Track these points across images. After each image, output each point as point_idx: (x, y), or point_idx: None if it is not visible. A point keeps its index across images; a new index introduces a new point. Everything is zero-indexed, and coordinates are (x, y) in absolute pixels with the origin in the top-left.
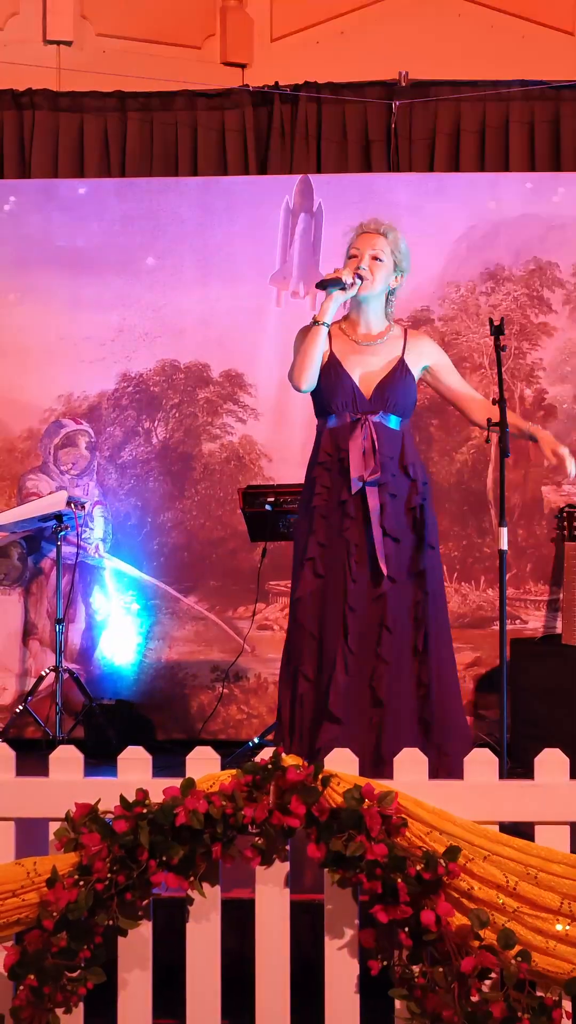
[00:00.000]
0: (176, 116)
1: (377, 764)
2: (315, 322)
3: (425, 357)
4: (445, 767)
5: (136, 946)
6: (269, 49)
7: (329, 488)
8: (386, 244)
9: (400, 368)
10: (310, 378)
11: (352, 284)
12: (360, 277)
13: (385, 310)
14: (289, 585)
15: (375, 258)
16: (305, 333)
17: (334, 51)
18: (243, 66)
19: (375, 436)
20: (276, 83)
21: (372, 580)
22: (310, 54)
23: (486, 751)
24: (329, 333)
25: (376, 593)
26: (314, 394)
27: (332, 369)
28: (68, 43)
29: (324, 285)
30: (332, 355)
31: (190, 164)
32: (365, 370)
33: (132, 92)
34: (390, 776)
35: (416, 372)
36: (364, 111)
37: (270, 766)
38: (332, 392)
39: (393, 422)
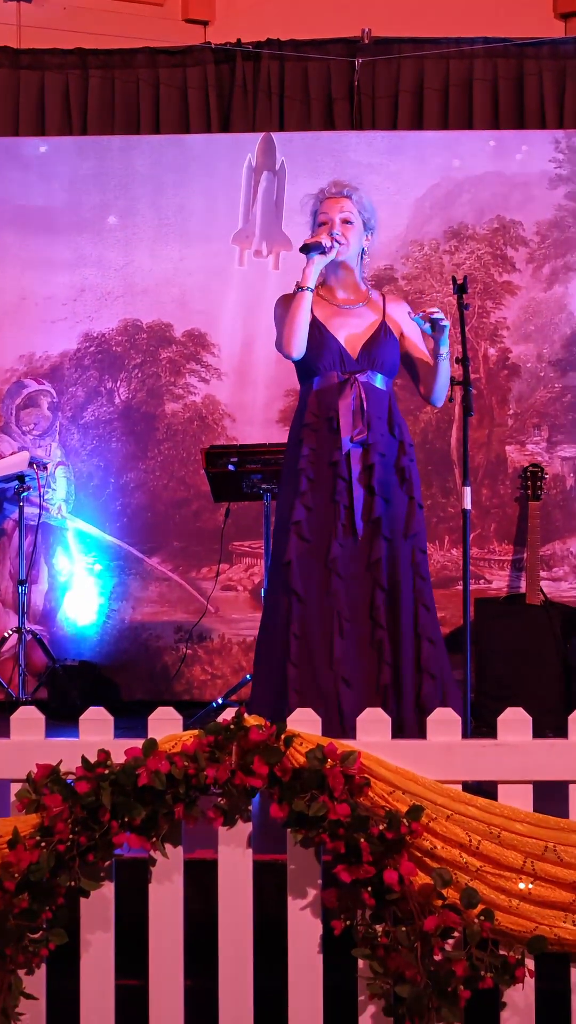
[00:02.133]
0: (138, 74)
1: (399, 729)
2: (299, 288)
3: (402, 324)
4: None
5: (98, 907)
6: (231, 6)
7: (316, 449)
8: (352, 205)
9: (383, 329)
10: (300, 344)
11: (331, 248)
12: (336, 242)
13: (359, 272)
14: (253, 546)
15: (346, 221)
16: (289, 301)
17: (297, 8)
18: (205, 23)
19: (364, 396)
20: (238, 40)
21: (366, 542)
22: (272, 11)
23: (449, 710)
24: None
25: (372, 556)
26: (303, 356)
27: (316, 332)
28: (29, 0)
29: (307, 249)
30: (315, 318)
31: (152, 122)
32: (350, 331)
33: (93, 49)
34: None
35: (395, 335)
36: (327, 68)
37: (232, 726)
38: (318, 353)
39: (379, 381)
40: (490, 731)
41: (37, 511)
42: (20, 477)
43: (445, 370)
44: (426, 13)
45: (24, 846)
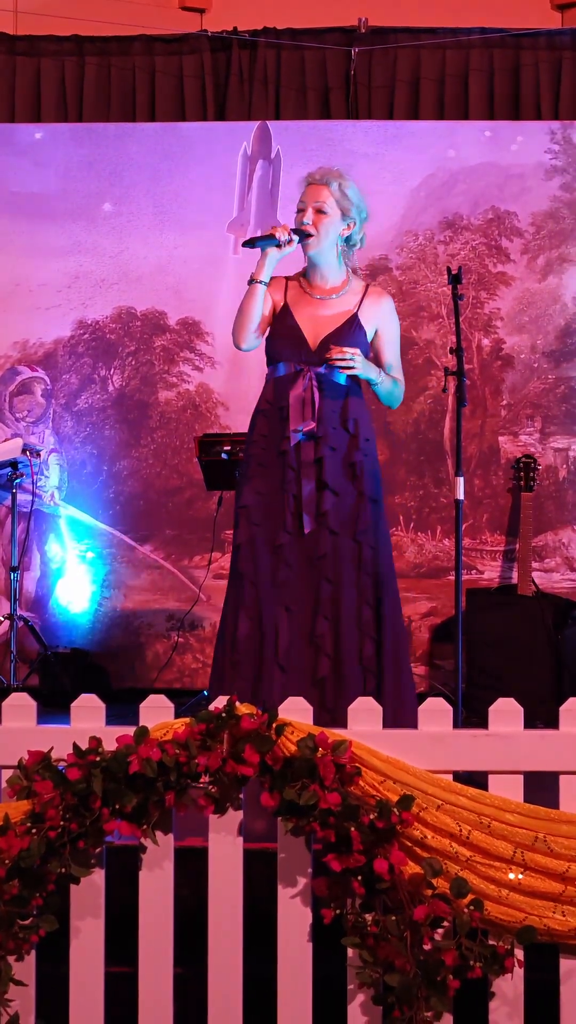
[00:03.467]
0: (134, 61)
1: (320, 719)
2: (252, 280)
3: (378, 320)
4: (401, 720)
5: (89, 894)
6: None
7: (267, 436)
8: (329, 194)
9: (352, 322)
10: (247, 336)
11: (288, 241)
12: (303, 233)
13: (341, 261)
14: None
15: (318, 211)
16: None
17: None
18: (202, 11)
19: (315, 388)
20: (235, 28)
21: (314, 535)
22: None
23: (440, 700)
24: (287, 284)
25: (319, 550)
26: (267, 341)
27: (284, 318)
28: None
29: (252, 243)
30: (285, 305)
31: (148, 110)
32: (315, 322)
33: (89, 36)
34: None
35: (368, 330)
36: (323, 58)
37: (224, 715)
38: (280, 341)
39: (339, 376)
40: (481, 721)
41: (30, 498)
42: (13, 464)
43: (381, 392)
44: (423, 3)
45: (15, 832)
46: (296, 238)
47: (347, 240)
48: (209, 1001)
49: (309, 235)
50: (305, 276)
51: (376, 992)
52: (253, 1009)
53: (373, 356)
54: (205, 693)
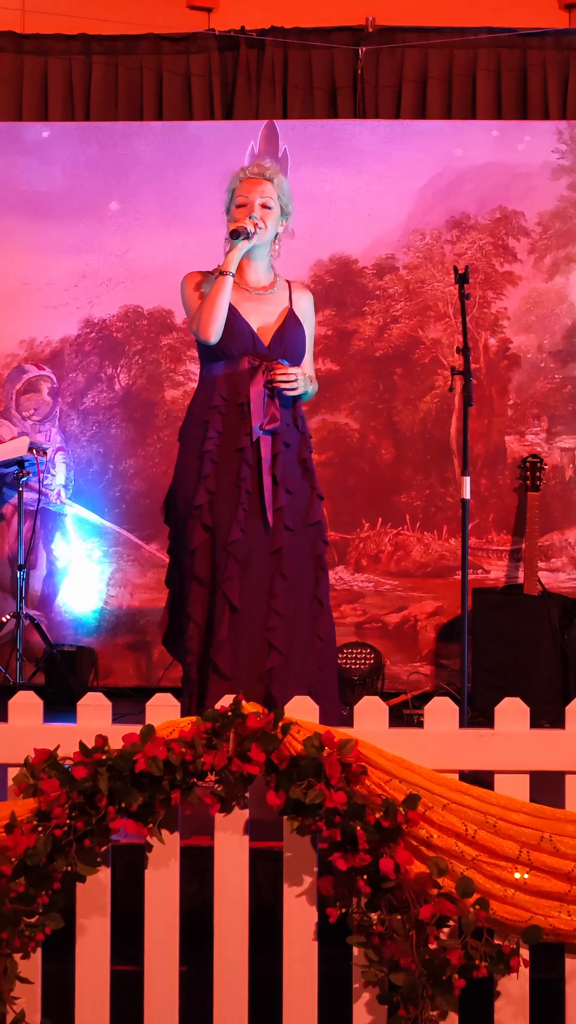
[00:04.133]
0: (141, 60)
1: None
2: (221, 272)
3: (303, 314)
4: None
5: (95, 892)
6: None
7: (222, 433)
8: (273, 189)
9: (291, 317)
10: (218, 329)
11: (254, 233)
12: (256, 227)
13: (269, 258)
14: None
15: (264, 206)
16: (196, 283)
17: None
18: (209, 10)
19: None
20: (242, 27)
21: (267, 531)
22: None
23: (446, 700)
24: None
25: (273, 545)
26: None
27: (229, 315)
28: None
29: (236, 235)
30: None
31: (155, 109)
32: (260, 317)
33: (97, 35)
34: None
35: (300, 324)
36: (331, 57)
37: (230, 713)
38: (229, 338)
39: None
40: (487, 721)
41: (36, 496)
42: (20, 462)
43: (304, 396)
44: (431, 3)
45: (21, 830)
46: (257, 231)
47: (276, 236)
48: (215, 1000)
49: (260, 228)
50: (238, 272)
51: (382, 991)
52: (259, 1008)
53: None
54: None
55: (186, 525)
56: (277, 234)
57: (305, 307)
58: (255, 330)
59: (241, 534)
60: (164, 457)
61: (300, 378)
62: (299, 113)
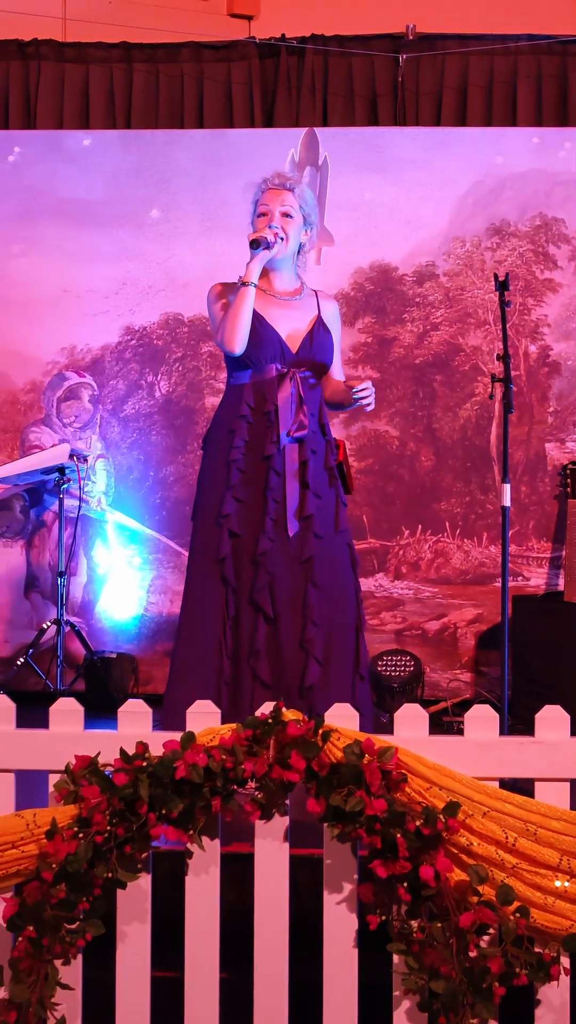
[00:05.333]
0: (182, 68)
1: None
2: (242, 283)
3: (331, 322)
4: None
5: (135, 899)
6: (276, 1)
7: (249, 442)
8: (294, 199)
9: (320, 324)
10: (243, 339)
11: (275, 243)
12: (278, 236)
13: (295, 266)
14: None
15: (285, 215)
16: (224, 291)
17: (341, 3)
18: (250, 18)
19: (302, 390)
20: (283, 35)
21: (298, 539)
22: (317, 6)
23: (487, 707)
24: None
25: (304, 554)
26: None
27: (256, 323)
28: None
29: (256, 245)
30: (253, 311)
31: (195, 116)
32: (288, 324)
33: (138, 43)
34: None
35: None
36: (371, 64)
37: (270, 720)
38: (257, 346)
39: (314, 378)
40: (527, 728)
41: (77, 503)
42: (60, 469)
43: (345, 410)
44: (471, 9)
45: (62, 837)
46: (279, 241)
47: (302, 245)
48: (255, 1006)
49: (282, 239)
50: (264, 281)
51: (422, 999)
52: (299, 1014)
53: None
54: None
55: (211, 533)
56: (302, 244)
57: (332, 315)
58: (283, 337)
59: (270, 544)
60: None
61: (370, 388)
62: (339, 120)
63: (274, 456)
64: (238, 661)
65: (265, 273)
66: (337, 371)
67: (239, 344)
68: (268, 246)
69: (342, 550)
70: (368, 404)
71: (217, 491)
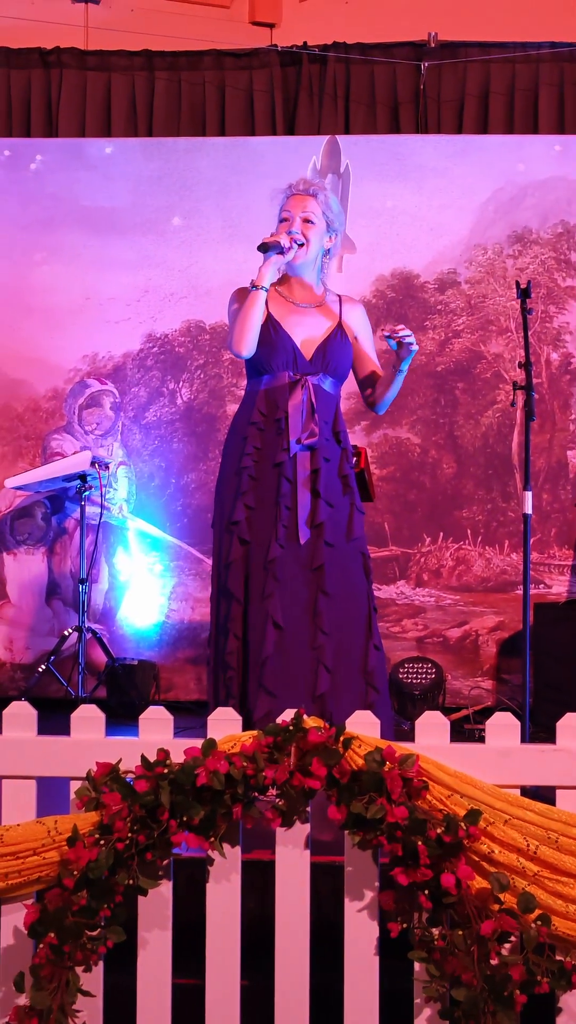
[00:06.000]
0: (204, 76)
1: None
2: (253, 287)
3: (357, 328)
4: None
5: (156, 906)
6: (298, 9)
7: (260, 449)
8: (317, 205)
9: (338, 332)
10: (251, 344)
11: (289, 248)
12: (296, 242)
13: (319, 273)
14: None
15: (307, 220)
16: (241, 298)
17: (363, 11)
18: (271, 26)
19: (314, 398)
20: (304, 43)
21: (309, 547)
22: (339, 14)
23: (508, 715)
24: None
25: (314, 562)
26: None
27: (271, 330)
28: (96, 1)
29: (266, 248)
30: (270, 315)
31: (217, 124)
32: (304, 331)
33: (160, 51)
34: None
35: (350, 338)
36: (393, 72)
37: (291, 728)
38: (271, 352)
39: (329, 385)
40: (549, 736)
41: (98, 510)
42: (82, 476)
43: (399, 384)
44: (493, 17)
45: (83, 844)
46: (295, 246)
47: (327, 251)
48: (276, 1013)
49: (301, 244)
50: (284, 286)
51: (443, 1006)
52: (320, 1022)
53: (357, 363)
54: None
55: (223, 538)
56: (328, 250)
57: (358, 320)
58: (298, 344)
59: (281, 551)
60: None
61: (412, 334)
62: (361, 128)
63: (285, 463)
64: (245, 668)
65: (286, 279)
66: (376, 368)
67: (246, 348)
68: (281, 251)
69: (355, 558)
70: (411, 344)
71: (230, 498)
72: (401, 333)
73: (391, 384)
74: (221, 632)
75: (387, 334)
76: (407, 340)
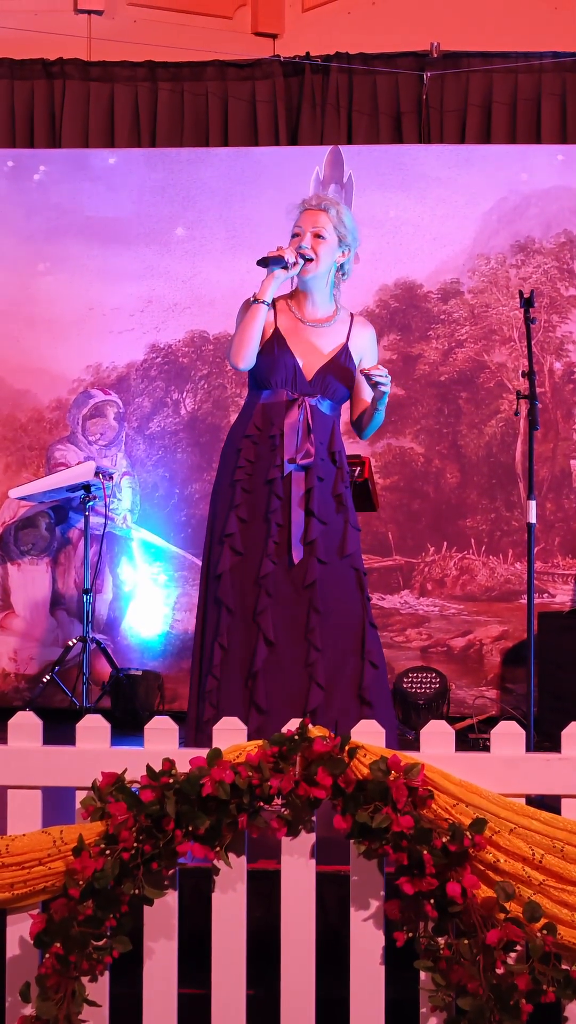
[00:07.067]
0: (207, 86)
1: None
2: (255, 300)
3: (363, 350)
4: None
5: (162, 915)
6: (300, 19)
7: (253, 463)
8: (328, 220)
9: (343, 354)
10: (248, 357)
11: (295, 263)
12: (304, 257)
13: (331, 289)
14: None
15: (317, 235)
16: (244, 310)
17: (365, 21)
18: (274, 36)
19: (311, 418)
20: (307, 54)
21: (301, 564)
22: (341, 24)
23: (513, 724)
24: (275, 307)
25: (307, 579)
26: (258, 366)
27: (276, 345)
28: (99, 12)
29: (266, 263)
30: (277, 330)
31: (220, 135)
32: (309, 350)
33: (163, 62)
34: None
35: (355, 360)
36: (395, 82)
37: (296, 737)
38: (272, 368)
39: (326, 407)
40: (554, 745)
41: (102, 521)
42: (86, 487)
43: (378, 421)
44: (495, 27)
45: (89, 854)
46: (301, 261)
47: (340, 267)
48: (282, 1023)
49: (310, 259)
50: (295, 301)
51: (449, 1015)
52: None
53: (357, 384)
54: None
55: (217, 550)
56: (342, 266)
57: (365, 342)
58: (300, 364)
59: (273, 567)
60: None
61: (389, 377)
62: (364, 138)
63: (276, 480)
64: (230, 682)
65: (297, 294)
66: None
67: (244, 360)
68: (285, 265)
69: (347, 574)
70: (383, 387)
71: (223, 510)
72: (374, 373)
73: (371, 419)
74: (208, 642)
75: (365, 374)
76: (377, 379)
